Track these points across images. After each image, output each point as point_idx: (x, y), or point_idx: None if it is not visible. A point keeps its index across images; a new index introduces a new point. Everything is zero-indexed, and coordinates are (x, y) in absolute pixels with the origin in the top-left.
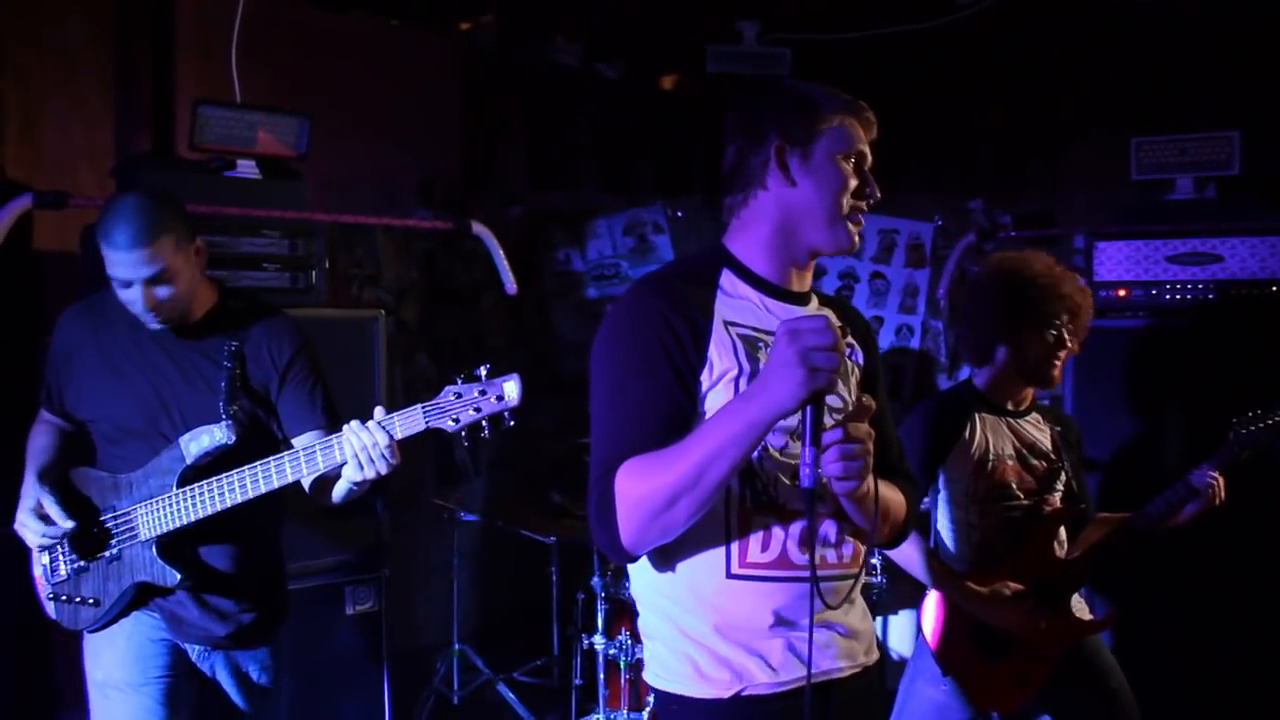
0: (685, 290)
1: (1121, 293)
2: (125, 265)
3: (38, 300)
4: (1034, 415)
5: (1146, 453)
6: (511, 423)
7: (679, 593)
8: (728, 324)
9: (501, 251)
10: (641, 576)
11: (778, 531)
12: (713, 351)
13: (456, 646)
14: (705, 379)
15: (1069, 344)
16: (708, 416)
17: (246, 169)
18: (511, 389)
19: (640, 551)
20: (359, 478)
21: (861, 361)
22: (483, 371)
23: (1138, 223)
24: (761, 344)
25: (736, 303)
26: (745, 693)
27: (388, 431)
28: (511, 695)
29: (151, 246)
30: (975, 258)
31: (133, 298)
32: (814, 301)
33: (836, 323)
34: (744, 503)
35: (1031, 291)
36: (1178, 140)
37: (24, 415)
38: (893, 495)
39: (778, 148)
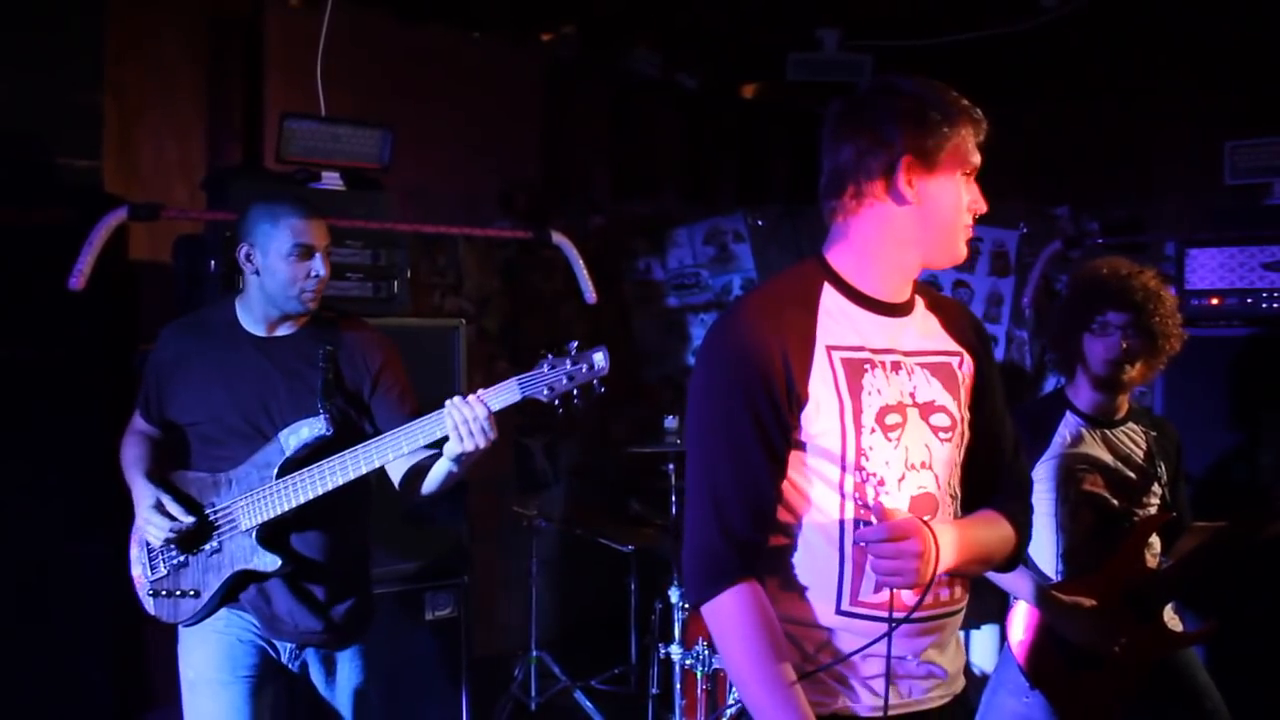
0: (784, 320)
1: (1214, 301)
2: (309, 232)
3: (133, 309)
4: (1130, 425)
5: (1241, 465)
6: (602, 390)
7: (792, 614)
8: (831, 349)
9: (581, 261)
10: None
11: None
12: (814, 386)
13: (534, 654)
14: (810, 414)
15: (1126, 344)
16: (811, 447)
17: (331, 180)
18: (600, 358)
19: None
20: (459, 450)
21: (971, 372)
22: (573, 347)
23: (1232, 228)
24: (867, 366)
25: (839, 323)
26: (840, 712)
27: (485, 404)
28: (589, 703)
29: (324, 220)
30: (1061, 265)
31: (302, 271)
32: (918, 308)
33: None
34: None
35: (1087, 292)
36: (1274, 143)
37: (124, 420)
38: (989, 534)
39: (907, 163)
